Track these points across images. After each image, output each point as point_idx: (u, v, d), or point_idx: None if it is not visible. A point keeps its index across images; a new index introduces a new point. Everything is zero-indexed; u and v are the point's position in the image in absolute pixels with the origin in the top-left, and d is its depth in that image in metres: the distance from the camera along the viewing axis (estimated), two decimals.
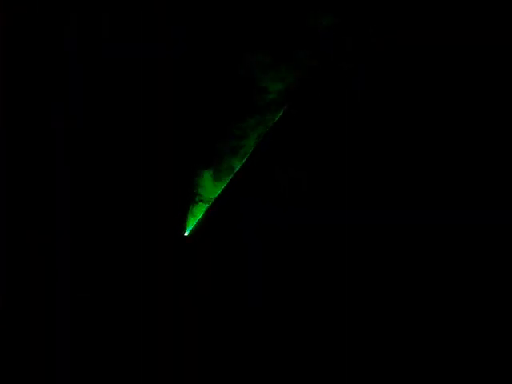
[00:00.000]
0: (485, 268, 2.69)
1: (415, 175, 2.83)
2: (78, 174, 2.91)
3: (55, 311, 2.79)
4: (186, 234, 3.02)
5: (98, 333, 2.84)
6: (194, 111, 2.96)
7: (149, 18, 2.89)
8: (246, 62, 2.74)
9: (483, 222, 2.68)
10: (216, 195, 2.99)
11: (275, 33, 2.70)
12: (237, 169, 2.93)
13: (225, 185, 2.96)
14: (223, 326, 2.90)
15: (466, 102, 2.75)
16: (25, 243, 2.85)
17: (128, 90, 2.93)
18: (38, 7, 2.79)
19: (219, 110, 2.92)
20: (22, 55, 2.82)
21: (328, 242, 2.89)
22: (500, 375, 2.52)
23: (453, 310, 2.71)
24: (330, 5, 2.62)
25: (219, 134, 2.90)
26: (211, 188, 2.98)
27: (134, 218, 2.95)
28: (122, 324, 2.89)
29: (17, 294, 2.81)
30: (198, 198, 2.99)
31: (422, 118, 2.79)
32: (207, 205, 3.01)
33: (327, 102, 2.84)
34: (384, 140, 2.84)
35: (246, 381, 2.81)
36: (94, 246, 2.93)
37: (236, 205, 2.97)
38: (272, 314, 2.88)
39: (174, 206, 3.00)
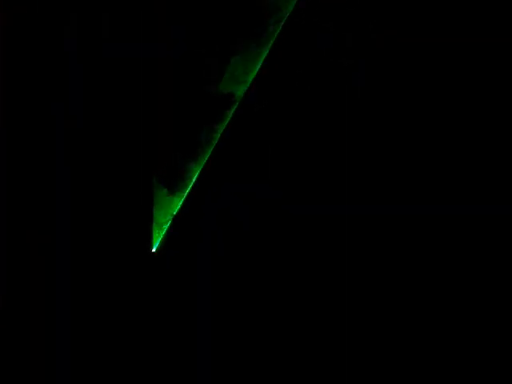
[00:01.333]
0: (485, 263, 2.67)
1: (415, 171, 2.82)
2: (78, 173, 2.91)
3: (55, 311, 2.78)
4: (154, 249, 2.99)
5: (97, 333, 2.83)
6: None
7: (149, 18, 2.90)
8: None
9: (484, 217, 2.66)
10: (178, 207, 2.96)
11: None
12: (195, 177, 2.90)
13: (184, 196, 2.93)
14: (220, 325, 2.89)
15: (467, 98, 2.75)
16: (25, 243, 2.85)
17: (128, 90, 2.93)
18: (38, 7, 2.80)
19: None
20: (22, 55, 2.83)
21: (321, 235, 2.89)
22: (500, 375, 2.50)
23: (453, 304, 2.69)
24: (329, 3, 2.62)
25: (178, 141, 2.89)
26: (169, 201, 2.97)
27: (132, 217, 2.94)
28: (121, 324, 2.88)
29: (17, 294, 2.80)
30: (158, 211, 2.98)
31: (422, 114, 2.79)
32: (170, 219, 2.99)
33: (326, 99, 2.84)
34: (384, 136, 2.83)
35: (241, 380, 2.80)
36: (93, 245, 2.92)
37: (199, 216, 2.94)
38: (269, 311, 2.87)
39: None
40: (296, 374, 2.76)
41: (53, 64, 2.88)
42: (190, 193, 2.89)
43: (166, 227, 2.97)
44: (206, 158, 2.85)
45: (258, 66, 2.65)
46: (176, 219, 2.93)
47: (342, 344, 2.74)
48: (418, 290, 2.76)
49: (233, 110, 2.77)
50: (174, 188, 2.91)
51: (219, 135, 2.82)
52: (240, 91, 2.74)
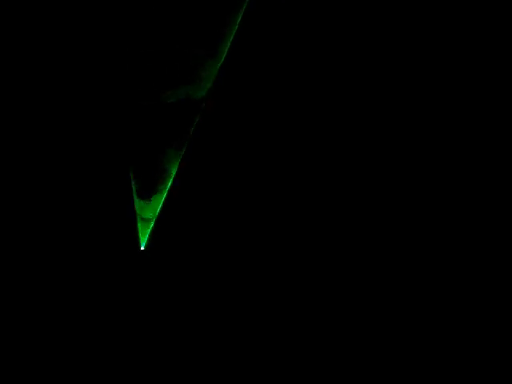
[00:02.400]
0: (484, 268, 2.66)
1: (414, 171, 2.80)
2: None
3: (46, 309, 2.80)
4: (142, 247, 3.01)
5: (87, 330, 2.84)
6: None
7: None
8: None
9: (482, 221, 2.66)
10: (157, 212, 2.98)
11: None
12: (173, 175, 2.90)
13: (161, 201, 2.94)
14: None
15: (466, 99, 2.73)
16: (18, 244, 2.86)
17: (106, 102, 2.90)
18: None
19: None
20: (23, 55, 2.82)
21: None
22: (500, 375, 2.49)
23: (453, 309, 2.68)
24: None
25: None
26: (147, 208, 2.97)
27: (116, 216, 2.95)
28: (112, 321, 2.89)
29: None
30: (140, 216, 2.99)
31: (421, 114, 2.77)
32: (152, 222, 3.00)
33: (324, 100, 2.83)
34: (383, 136, 2.81)
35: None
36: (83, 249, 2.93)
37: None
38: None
39: None
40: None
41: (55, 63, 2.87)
42: (170, 190, 2.90)
43: (152, 224, 2.99)
44: (182, 155, 2.86)
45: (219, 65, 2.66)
46: (161, 216, 2.95)
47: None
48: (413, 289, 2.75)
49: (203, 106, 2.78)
50: (154, 186, 2.92)
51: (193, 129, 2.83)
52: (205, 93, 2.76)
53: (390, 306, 2.76)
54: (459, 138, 2.74)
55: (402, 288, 2.77)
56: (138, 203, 2.94)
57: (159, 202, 2.94)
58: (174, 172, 2.89)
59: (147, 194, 2.94)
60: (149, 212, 2.97)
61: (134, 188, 2.94)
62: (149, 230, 2.98)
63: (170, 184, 2.91)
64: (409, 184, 2.78)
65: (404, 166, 2.79)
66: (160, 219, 2.97)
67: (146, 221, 2.98)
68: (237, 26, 2.61)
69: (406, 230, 2.79)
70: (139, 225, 2.96)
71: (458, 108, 2.74)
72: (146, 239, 2.99)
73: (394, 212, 2.79)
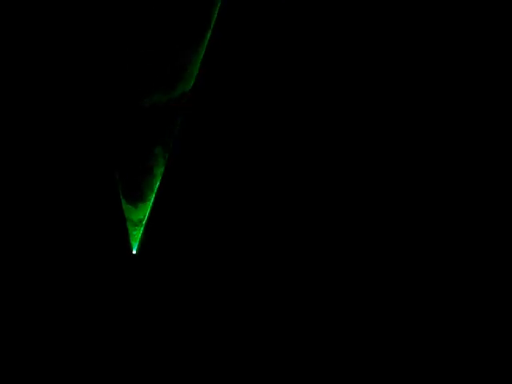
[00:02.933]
0: (484, 268, 2.66)
1: (414, 173, 2.81)
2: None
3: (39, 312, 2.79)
4: (134, 252, 3.01)
5: (81, 333, 2.84)
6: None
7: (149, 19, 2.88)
8: None
9: (482, 221, 2.65)
10: (146, 215, 2.97)
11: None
12: (156, 187, 2.91)
13: (150, 205, 2.95)
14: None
15: (466, 100, 2.73)
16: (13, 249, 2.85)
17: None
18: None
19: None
20: (22, 55, 2.82)
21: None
22: (500, 375, 2.49)
23: (453, 309, 2.68)
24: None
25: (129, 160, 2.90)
26: (136, 211, 2.97)
27: (106, 222, 2.95)
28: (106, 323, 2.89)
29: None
30: (129, 219, 2.98)
31: (421, 114, 2.77)
32: (142, 226, 3.00)
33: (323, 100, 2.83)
34: (383, 137, 2.82)
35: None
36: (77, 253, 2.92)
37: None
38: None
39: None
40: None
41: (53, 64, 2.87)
42: (158, 192, 2.91)
43: (141, 228, 3.00)
44: (168, 156, 2.86)
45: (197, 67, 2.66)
46: (149, 222, 2.96)
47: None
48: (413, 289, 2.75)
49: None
50: (142, 189, 2.93)
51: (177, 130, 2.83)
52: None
53: (389, 304, 2.77)
54: (459, 138, 2.75)
55: (401, 287, 2.77)
56: (126, 207, 2.94)
57: (148, 204, 2.94)
58: (160, 174, 2.89)
59: (135, 197, 2.94)
60: (138, 215, 2.97)
61: (121, 192, 2.94)
62: (140, 234, 2.98)
63: (157, 186, 2.91)
64: (404, 181, 2.79)
65: (391, 161, 2.80)
66: (150, 222, 2.97)
67: (136, 224, 2.98)
68: (214, 22, 2.60)
69: (404, 229, 2.79)
70: (129, 228, 2.96)
71: (457, 108, 2.74)
72: (138, 243, 2.99)
73: (384, 209, 2.80)
